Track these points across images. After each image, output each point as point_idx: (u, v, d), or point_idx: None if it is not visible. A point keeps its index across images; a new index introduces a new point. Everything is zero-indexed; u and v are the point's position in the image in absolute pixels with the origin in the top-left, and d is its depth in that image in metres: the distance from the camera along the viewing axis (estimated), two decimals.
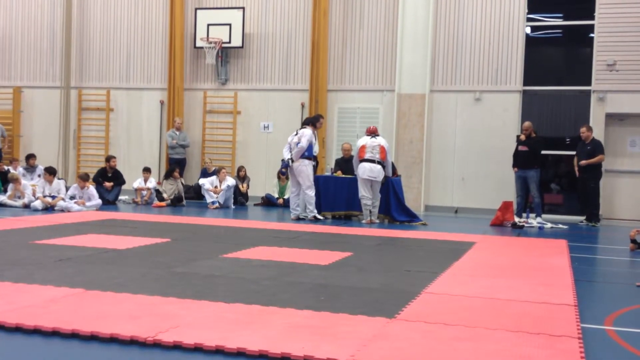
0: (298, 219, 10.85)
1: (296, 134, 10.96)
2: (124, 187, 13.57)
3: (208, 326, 3.74)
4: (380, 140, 10.75)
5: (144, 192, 13.26)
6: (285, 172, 11.03)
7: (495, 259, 7.00)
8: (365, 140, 10.78)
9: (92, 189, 11.84)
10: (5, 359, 3.23)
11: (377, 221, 10.81)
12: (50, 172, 11.61)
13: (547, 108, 13.62)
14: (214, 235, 8.39)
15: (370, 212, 10.74)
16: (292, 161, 10.78)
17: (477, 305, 4.58)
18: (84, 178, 11.76)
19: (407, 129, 13.75)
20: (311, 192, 10.82)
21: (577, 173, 12.14)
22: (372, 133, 10.91)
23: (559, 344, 3.64)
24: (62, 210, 11.05)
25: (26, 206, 11.42)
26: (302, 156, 10.75)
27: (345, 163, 12.13)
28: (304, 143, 10.74)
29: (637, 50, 12.81)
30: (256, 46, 14.98)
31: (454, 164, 13.76)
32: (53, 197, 11.30)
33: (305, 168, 10.79)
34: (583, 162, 11.86)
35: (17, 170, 13.21)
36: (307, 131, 10.88)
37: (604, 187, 12.46)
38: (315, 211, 10.83)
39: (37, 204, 11.14)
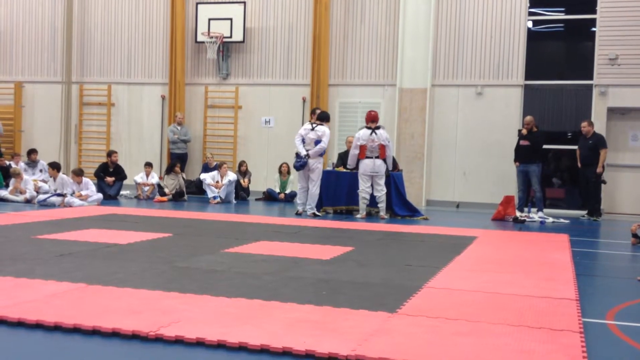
0: (300, 214, 10.84)
1: (312, 129, 10.81)
2: (125, 182, 13.57)
3: (210, 321, 3.75)
4: (380, 138, 10.64)
5: (147, 187, 13.25)
6: (301, 167, 10.79)
7: (496, 253, 7.00)
8: (365, 137, 10.64)
9: (88, 182, 11.79)
10: (7, 354, 3.24)
11: (387, 216, 10.77)
12: (54, 167, 11.60)
13: (549, 102, 13.59)
14: (215, 230, 8.39)
15: (379, 206, 10.73)
16: (309, 157, 10.75)
17: (479, 300, 4.58)
18: (77, 173, 11.71)
19: (409, 123, 13.74)
20: (317, 190, 10.83)
21: (579, 165, 12.16)
22: (373, 121, 10.79)
23: (560, 338, 3.64)
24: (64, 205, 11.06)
25: (28, 201, 11.44)
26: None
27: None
28: (325, 143, 10.74)
29: (639, 44, 12.76)
30: (257, 41, 14.96)
31: (455, 159, 13.74)
32: (59, 194, 11.30)
33: (320, 165, 10.84)
34: (599, 170, 11.80)
35: (19, 165, 13.22)
36: (328, 130, 10.85)
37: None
38: (315, 209, 10.81)
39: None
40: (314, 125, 10.87)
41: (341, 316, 3.94)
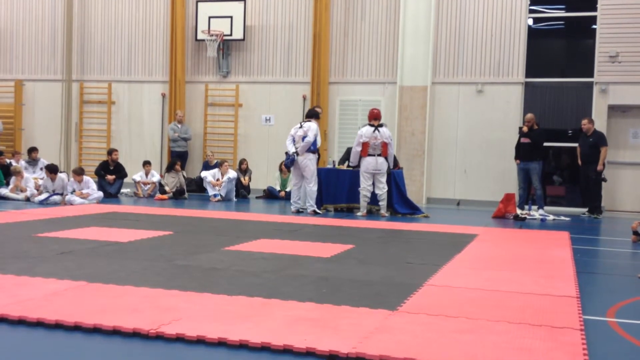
0: (298, 212, 10.86)
1: (300, 127, 10.90)
2: (125, 180, 13.57)
3: (210, 318, 3.75)
4: (383, 135, 10.64)
5: (148, 186, 13.24)
6: (290, 165, 10.90)
7: (497, 251, 7.00)
8: (368, 134, 10.66)
9: (89, 180, 11.80)
10: (8, 352, 3.24)
11: (387, 214, 10.77)
12: (51, 170, 11.59)
13: (550, 100, 13.59)
14: (216, 227, 8.39)
15: (379, 204, 10.71)
16: (297, 155, 10.75)
17: (479, 298, 4.58)
18: (78, 172, 11.72)
19: (409, 121, 13.74)
20: (314, 187, 10.82)
21: (579, 163, 12.16)
22: (376, 118, 10.79)
23: (560, 335, 3.64)
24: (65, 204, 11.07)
25: (28, 199, 11.45)
26: (308, 150, 10.75)
27: None
28: (311, 137, 10.72)
29: (639, 42, 12.76)
30: (257, 39, 14.95)
31: (456, 156, 13.74)
32: (58, 193, 11.32)
33: (310, 162, 10.79)
34: (600, 167, 11.79)
35: (19, 164, 13.23)
36: (314, 125, 10.86)
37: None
38: (315, 206, 10.81)
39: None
40: (303, 123, 10.94)
41: (342, 314, 3.94)
